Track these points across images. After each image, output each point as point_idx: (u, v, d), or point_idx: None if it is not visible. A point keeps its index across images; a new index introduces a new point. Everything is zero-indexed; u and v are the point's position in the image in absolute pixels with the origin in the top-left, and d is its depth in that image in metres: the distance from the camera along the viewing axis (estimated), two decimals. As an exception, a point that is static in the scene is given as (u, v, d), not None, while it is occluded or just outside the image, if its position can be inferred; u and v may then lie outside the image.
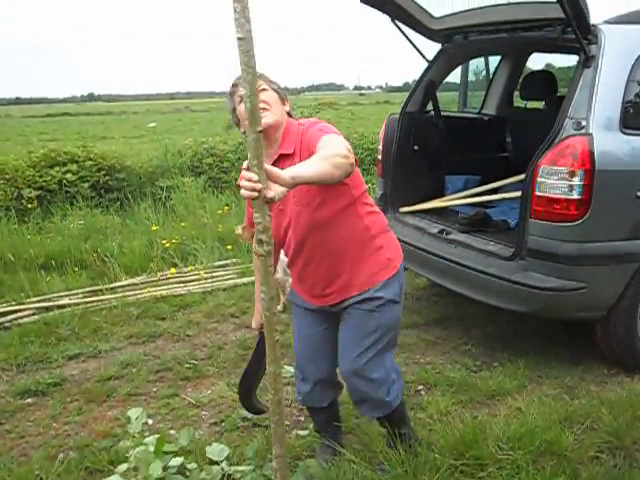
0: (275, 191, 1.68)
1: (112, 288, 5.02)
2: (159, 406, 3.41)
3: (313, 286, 2.47)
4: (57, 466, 2.81)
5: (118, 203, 7.00)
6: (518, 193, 3.67)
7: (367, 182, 7.33)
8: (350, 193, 2.29)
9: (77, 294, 4.88)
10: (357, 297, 2.39)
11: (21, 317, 4.48)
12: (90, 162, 7.11)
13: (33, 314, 4.53)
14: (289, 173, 1.74)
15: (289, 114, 2.36)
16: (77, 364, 3.94)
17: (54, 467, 2.81)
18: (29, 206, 6.51)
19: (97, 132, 23.33)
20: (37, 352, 4.03)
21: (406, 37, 4.42)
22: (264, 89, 2.25)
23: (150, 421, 3.26)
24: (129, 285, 5.11)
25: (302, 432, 3.09)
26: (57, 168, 6.93)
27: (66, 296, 4.82)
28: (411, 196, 4.59)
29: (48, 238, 5.80)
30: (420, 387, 3.52)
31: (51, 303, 4.67)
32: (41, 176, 6.82)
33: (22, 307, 4.60)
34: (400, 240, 4.19)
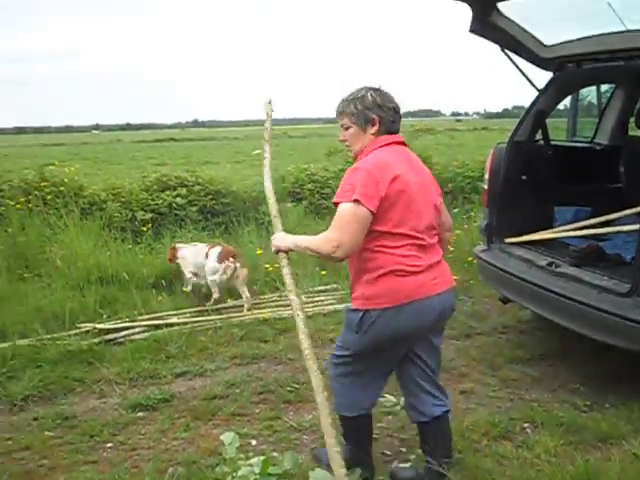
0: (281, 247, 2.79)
1: (217, 309, 5.20)
2: (262, 427, 3.48)
3: None
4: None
5: (223, 227, 7.26)
6: (635, 226, 3.52)
7: (468, 211, 7.23)
8: (372, 229, 2.54)
9: (185, 313, 5.09)
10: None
11: (133, 334, 4.72)
12: (198, 187, 7.45)
13: (144, 331, 4.75)
14: (293, 240, 2.74)
15: (378, 132, 2.67)
16: (184, 381, 4.10)
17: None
18: (142, 228, 6.88)
19: (201, 157, 24.32)
20: (148, 368, 4.22)
21: (516, 66, 4.37)
22: (348, 127, 2.69)
23: (254, 442, 3.34)
24: (233, 307, 5.27)
25: (403, 465, 3.06)
26: (168, 192, 7.30)
27: (175, 315, 5.04)
28: (517, 227, 4.49)
29: (158, 258, 6.07)
30: (526, 425, 3.41)
31: (161, 321, 4.89)
32: (153, 199, 7.20)
33: (134, 324, 4.84)
34: (504, 271, 4.14)
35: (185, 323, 4.88)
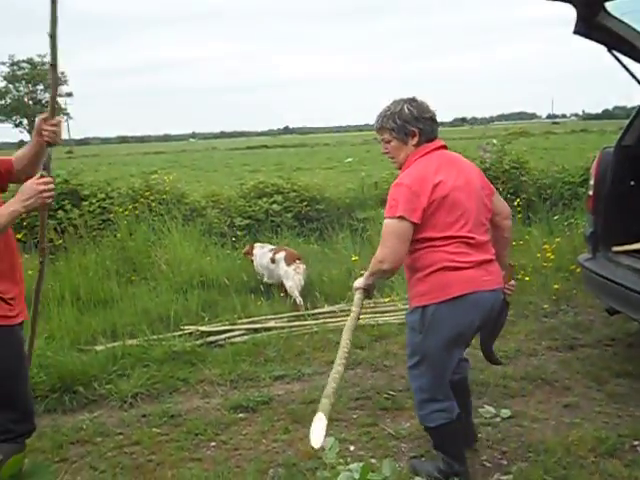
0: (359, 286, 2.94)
1: (313, 314, 5.28)
2: (359, 433, 3.50)
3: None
4: (268, 481, 3.00)
5: (317, 233, 7.36)
6: None
7: (569, 217, 6.93)
8: (419, 236, 2.67)
9: (282, 318, 5.20)
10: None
11: (233, 336, 4.87)
12: (294, 193, 7.59)
13: (244, 334, 4.90)
14: (364, 277, 2.91)
15: (419, 143, 2.76)
16: (282, 385, 4.19)
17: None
18: (239, 233, 7.09)
19: (293, 163, 24.73)
20: (247, 370, 4.34)
21: (625, 68, 4.18)
22: (389, 141, 2.79)
23: (352, 447, 3.36)
24: (329, 312, 5.33)
25: (504, 477, 3.00)
26: (265, 199, 7.49)
27: (272, 319, 5.16)
28: (626, 235, 4.29)
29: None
30: (636, 442, 3.25)
31: (259, 325, 5.02)
32: (250, 206, 7.41)
33: (234, 327, 5.00)
34: (612, 281, 3.97)
35: (282, 327, 4.98)
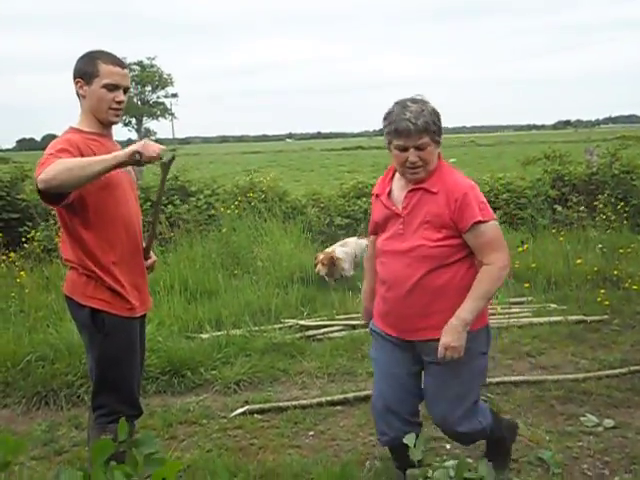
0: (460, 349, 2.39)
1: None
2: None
3: (407, 318, 2.54)
4: (365, 472, 3.08)
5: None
6: None
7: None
8: (468, 247, 2.48)
9: (379, 316, 5.26)
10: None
11: (332, 332, 4.99)
12: (392, 194, 7.62)
13: (341, 330, 5.01)
14: (463, 321, 2.36)
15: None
16: (379, 381, 4.25)
17: (363, 472, 3.08)
18: (338, 232, 7.23)
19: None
20: (345, 365, 4.45)
21: None
22: (425, 147, 2.42)
23: (448, 446, 3.39)
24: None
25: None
26: (364, 199, 7.59)
27: (369, 317, 5.23)
28: None
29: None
30: None
31: (357, 322, 5.10)
32: (350, 205, 7.53)
33: (333, 322, 5.12)
34: None
35: (379, 325, 5.04)
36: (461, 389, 2.56)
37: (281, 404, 3.91)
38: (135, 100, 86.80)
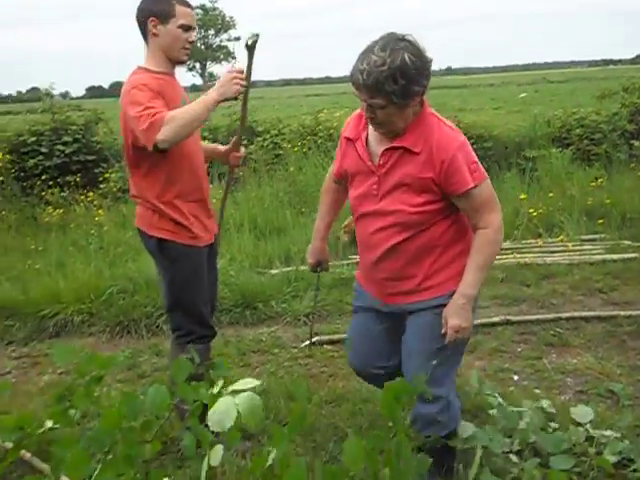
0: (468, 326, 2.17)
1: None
2: (524, 365, 3.54)
3: (379, 283, 2.33)
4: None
5: (483, 172, 7.23)
6: None
7: None
8: (453, 205, 2.19)
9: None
10: (429, 302, 2.23)
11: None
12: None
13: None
14: (467, 298, 2.13)
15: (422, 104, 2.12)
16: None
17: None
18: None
19: (455, 104, 24.05)
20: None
21: None
22: (382, 106, 2.02)
23: (515, 377, 3.42)
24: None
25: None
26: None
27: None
28: None
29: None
30: None
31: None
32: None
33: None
34: None
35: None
36: (438, 350, 2.24)
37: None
38: (199, 44, 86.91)
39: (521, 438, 2.61)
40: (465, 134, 6.97)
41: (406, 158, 2.12)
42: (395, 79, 1.94)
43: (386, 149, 2.15)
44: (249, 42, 2.51)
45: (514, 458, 2.50)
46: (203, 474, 1.93)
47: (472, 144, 6.76)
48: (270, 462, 1.96)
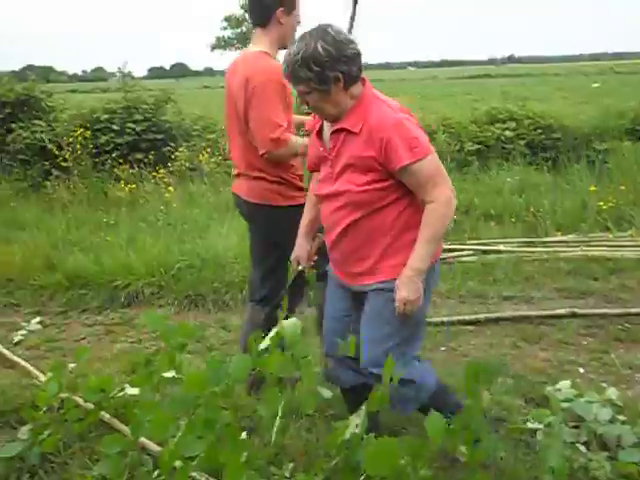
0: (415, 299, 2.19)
1: (544, 242, 5.24)
2: (590, 359, 3.51)
3: (340, 263, 2.41)
4: (497, 387, 3.15)
5: (550, 162, 7.12)
6: None
7: None
8: (403, 188, 2.24)
9: (512, 243, 5.23)
10: (381, 284, 2.28)
11: (461, 256, 5.03)
12: (528, 120, 7.38)
13: (472, 255, 5.03)
14: (416, 270, 2.17)
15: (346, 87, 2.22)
16: (510, 305, 4.28)
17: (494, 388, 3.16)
18: (468, 158, 7.12)
19: (519, 93, 23.51)
20: (475, 288, 4.50)
21: None
22: (306, 92, 2.20)
23: (581, 370, 3.40)
24: (560, 242, 5.24)
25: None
26: (497, 125, 7.40)
27: (501, 243, 5.21)
28: None
29: (486, 187, 6.29)
30: None
31: (489, 247, 5.10)
32: (482, 132, 7.37)
33: (463, 247, 5.15)
34: None
35: (512, 252, 5.01)
36: (392, 328, 2.30)
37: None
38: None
39: (588, 429, 2.62)
40: (533, 124, 6.86)
41: (349, 139, 2.23)
42: (309, 67, 2.13)
43: (331, 133, 2.29)
44: None
45: (582, 448, 2.51)
46: (274, 435, 2.02)
47: (540, 134, 6.67)
48: (347, 436, 2.04)
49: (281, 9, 2.83)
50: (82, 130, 7.50)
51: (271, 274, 3.06)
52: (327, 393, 2.50)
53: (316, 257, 2.68)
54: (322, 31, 2.15)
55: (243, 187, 2.95)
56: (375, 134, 2.16)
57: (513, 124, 7.35)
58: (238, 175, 3.01)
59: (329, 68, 2.14)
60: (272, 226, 2.96)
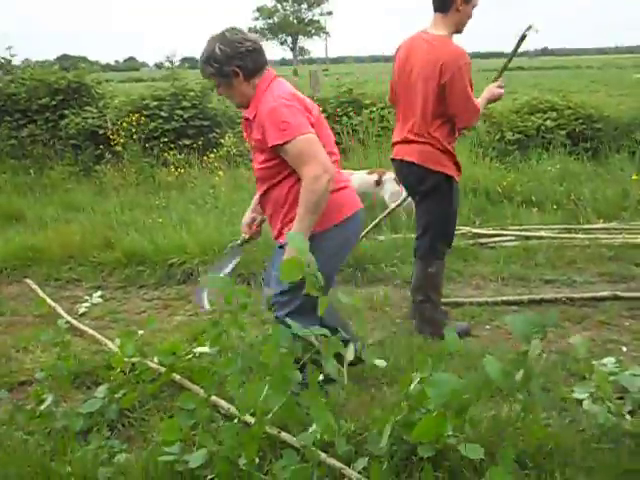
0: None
1: (585, 229, 5.33)
2: (632, 338, 3.63)
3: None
4: (543, 362, 3.29)
5: (590, 152, 7.17)
6: None
7: None
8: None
9: (552, 229, 5.33)
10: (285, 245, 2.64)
11: (504, 241, 5.15)
12: (569, 111, 7.42)
13: (514, 240, 5.15)
14: (297, 240, 2.29)
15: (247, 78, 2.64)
16: (552, 288, 4.40)
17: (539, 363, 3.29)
18: (509, 148, 7.21)
19: (553, 86, 23.30)
20: (518, 271, 4.62)
21: None
22: (217, 85, 2.72)
23: (624, 348, 3.51)
24: (601, 229, 5.32)
25: None
26: (538, 115, 7.45)
27: (542, 229, 5.32)
28: None
29: (526, 177, 6.39)
30: None
31: (530, 233, 5.22)
32: (522, 121, 7.44)
33: (505, 232, 5.27)
34: None
35: (553, 238, 5.12)
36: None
37: (458, 299, 4.21)
38: (291, 18, 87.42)
39: (633, 399, 2.75)
40: (574, 114, 6.90)
41: (250, 125, 2.69)
42: (210, 64, 2.61)
43: (243, 121, 2.79)
44: (526, 32, 3.31)
45: (627, 417, 2.65)
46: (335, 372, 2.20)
47: (581, 124, 6.68)
48: (413, 387, 2.22)
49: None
50: (137, 115, 7.77)
51: (433, 231, 3.61)
52: (382, 363, 2.74)
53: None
54: (221, 34, 2.63)
55: (414, 152, 3.42)
56: (259, 120, 2.58)
57: (554, 114, 7.41)
58: (405, 142, 3.47)
59: (226, 64, 2.58)
60: (427, 190, 3.50)
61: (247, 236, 3.10)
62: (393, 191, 5.62)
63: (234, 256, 3.35)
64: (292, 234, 2.29)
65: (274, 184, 2.68)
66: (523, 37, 3.38)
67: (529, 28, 3.35)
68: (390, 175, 5.59)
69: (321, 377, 2.30)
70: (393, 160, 3.62)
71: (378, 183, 5.75)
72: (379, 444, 2.09)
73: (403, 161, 3.49)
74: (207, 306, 3.32)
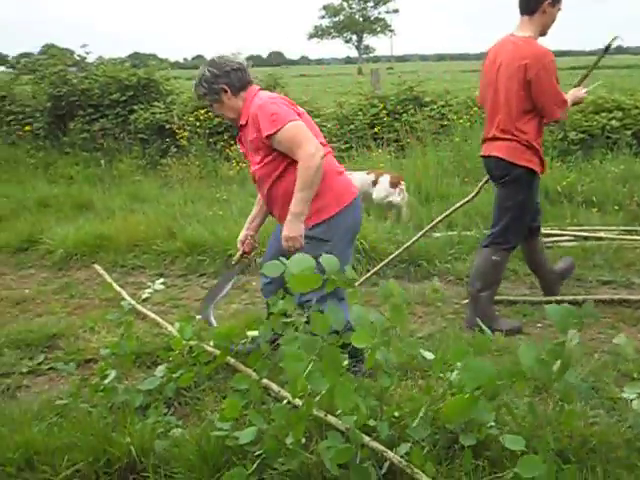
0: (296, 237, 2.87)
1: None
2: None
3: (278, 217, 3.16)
4: (594, 362, 3.27)
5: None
6: None
7: None
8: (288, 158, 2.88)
9: (613, 230, 5.23)
10: None
11: (561, 241, 5.09)
12: (636, 110, 7.22)
13: (572, 240, 5.08)
14: (295, 218, 2.84)
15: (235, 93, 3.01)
16: (609, 289, 4.35)
17: (591, 362, 3.27)
18: (572, 147, 7.07)
19: (624, 85, 22.52)
20: (575, 273, 4.56)
21: None
22: (210, 105, 3.13)
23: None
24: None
25: None
26: (603, 114, 7.27)
27: (602, 230, 5.22)
28: None
29: (588, 177, 6.27)
30: None
31: (589, 234, 5.14)
32: (587, 121, 7.27)
33: (563, 232, 5.21)
34: None
35: (612, 239, 5.02)
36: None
37: (511, 297, 4.21)
38: (357, 16, 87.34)
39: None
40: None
41: (244, 130, 3.02)
42: (201, 84, 3.02)
43: (239, 130, 3.09)
44: (611, 43, 3.55)
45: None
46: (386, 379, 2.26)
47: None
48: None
49: (549, 1, 3.38)
50: (202, 111, 8.01)
51: (509, 221, 3.75)
52: (429, 355, 2.80)
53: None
54: (210, 60, 3.04)
55: (502, 148, 3.57)
56: (252, 120, 2.90)
57: (620, 114, 7.22)
58: (492, 139, 3.64)
59: (214, 83, 2.98)
60: (510, 182, 3.65)
61: (241, 252, 3.56)
62: (381, 190, 5.79)
63: (228, 280, 3.71)
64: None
65: (277, 177, 2.95)
66: (608, 47, 3.52)
67: (615, 39, 3.52)
68: (386, 177, 5.80)
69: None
70: (482, 157, 3.80)
71: (375, 183, 5.86)
72: (419, 429, 2.15)
73: (491, 157, 3.66)
74: (214, 322, 3.65)
